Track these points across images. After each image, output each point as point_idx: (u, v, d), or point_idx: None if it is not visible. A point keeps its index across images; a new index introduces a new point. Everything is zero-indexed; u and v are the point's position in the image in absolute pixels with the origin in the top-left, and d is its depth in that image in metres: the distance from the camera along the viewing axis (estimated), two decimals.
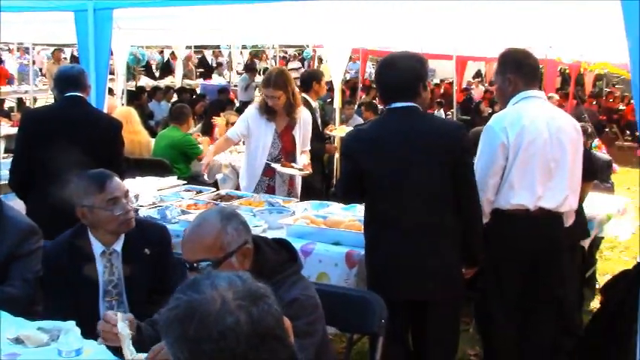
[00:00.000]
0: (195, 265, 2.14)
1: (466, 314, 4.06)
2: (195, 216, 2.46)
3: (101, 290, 2.86)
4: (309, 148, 4.95)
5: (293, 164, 4.71)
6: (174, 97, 12.82)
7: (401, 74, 3.10)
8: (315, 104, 5.81)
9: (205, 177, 5.81)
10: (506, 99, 3.47)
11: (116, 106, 6.32)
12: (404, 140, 3.03)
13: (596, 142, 10.94)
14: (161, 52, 20.43)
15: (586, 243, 4.80)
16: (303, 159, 4.78)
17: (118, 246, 2.89)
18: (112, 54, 5.94)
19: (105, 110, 4.79)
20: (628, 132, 14.97)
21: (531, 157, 3.29)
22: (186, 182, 5.25)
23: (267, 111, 4.69)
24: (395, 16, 6.15)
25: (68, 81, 3.99)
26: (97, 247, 2.88)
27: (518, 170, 3.28)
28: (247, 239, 2.23)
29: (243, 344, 1.22)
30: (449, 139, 3.05)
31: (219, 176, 6.50)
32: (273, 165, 4.69)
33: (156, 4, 4.87)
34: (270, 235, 3.78)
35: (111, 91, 10.72)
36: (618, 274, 3.74)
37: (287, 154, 4.80)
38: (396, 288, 3.08)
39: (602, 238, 5.57)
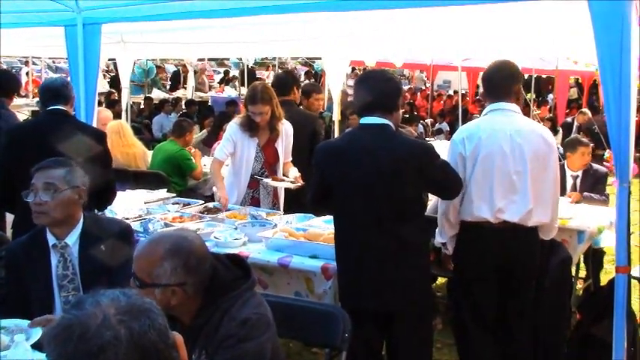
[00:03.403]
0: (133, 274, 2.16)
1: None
2: (169, 231, 2.46)
3: (55, 284, 2.88)
4: (290, 159, 4.93)
5: (284, 177, 4.71)
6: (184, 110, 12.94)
7: (380, 88, 3.12)
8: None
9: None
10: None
11: (111, 118, 6.35)
12: (370, 156, 3.05)
13: (607, 153, 10.82)
14: (178, 65, 20.62)
15: (576, 254, 4.76)
16: (294, 172, 4.77)
17: (71, 240, 2.90)
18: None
19: (95, 123, 4.85)
20: None
21: (489, 170, 3.28)
22: (175, 195, 5.28)
23: (250, 127, 4.69)
24: (406, 26, 6.22)
25: (51, 93, 4.01)
26: (51, 239, 2.90)
27: (477, 183, 3.30)
28: (185, 282, 2.14)
29: (122, 359, 1.23)
30: (414, 159, 3.05)
31: (215, 189, 6.52)
32: (265, 180, 4.69)
33: (146, 19, 4.92)
34: (251, 247, 3.83)
35: (117, 103, 10.91)
36: (592, 291, 3.69)
37: (270, 167, 4.81)
38: (360, 299, 3.10)
39: (604, 251, 5.50)
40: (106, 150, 4.16)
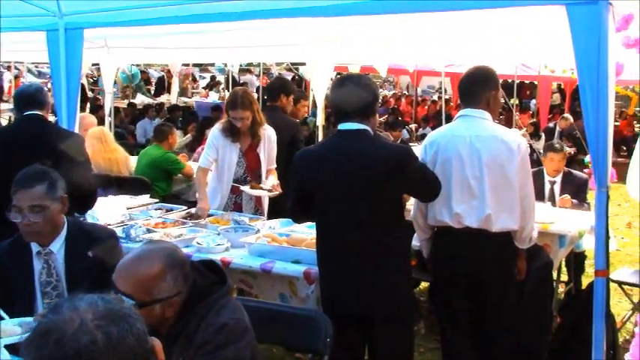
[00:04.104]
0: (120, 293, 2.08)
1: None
2: (144, 244, 2.39)
3: (38, 291, 2.87)
4: (274, 166, 4.91)
5: (262, 185, 4.70)
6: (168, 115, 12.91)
7: (357, 93, 3.12)
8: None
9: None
10: None
11: (95, 124, 6.33)
12: (349, 161, 3.05)
13: (588, 158, 10.91)
14: (162, 71, 20.57)
15: (558, 259, 4.80)
16: (272, 180, 4.75)
17: (55, 247, 2.89)
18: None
19: (77, 128, 4.82)
20: (624, 147, 14.90)
21: (447, 175, 3.30)
22: (158, 200, 5.26)
23: (232, 133, 4.69)
24: (390, 32, 6.24)
25: (26, 100, 3.96)
26: (34, 246, 2.89)
27: None
28: (182, 290, 2.15)
29: None
30: (393, 164, 3.05)
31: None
32: (242, 188, 4.67)
33: (129, 23, 4.88)
34: (234, 253, 3.83)
35: (101, 108, 10.86)
36: (572, 294, 3.72)
37: (252, 172, 4.80)
38: (342, 304, 3.11)
39: (585, 255, 5.54)
40: (85, 154, 4.12)
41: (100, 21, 4.72)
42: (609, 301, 3.00)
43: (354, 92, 3.11)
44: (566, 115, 14.06)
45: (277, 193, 4.68)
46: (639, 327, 2.60)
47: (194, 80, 22.09)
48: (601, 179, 2.87)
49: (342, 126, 3.12)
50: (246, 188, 4.66)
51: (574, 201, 5.54)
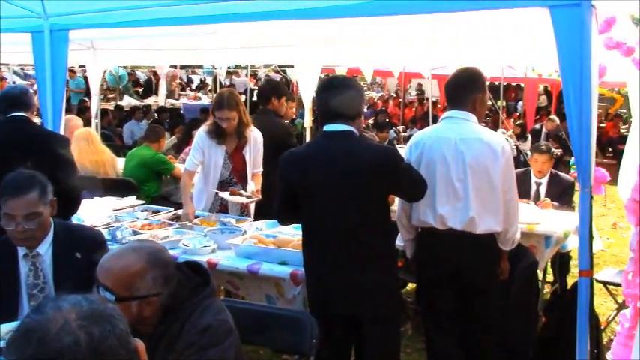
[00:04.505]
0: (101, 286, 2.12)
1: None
2: (133, 241, 2.43)
3: (25, 293, 2.86)
4: (260, 170, 4.89)
5: (241, 191, 4.68)
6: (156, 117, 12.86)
7: (342, 95, 3.12)
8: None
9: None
10: None
11: (81, 126, 6.31)
12: (335, 163, 3.06)
13: (573, 160, 10.97)
14: (149, 73, 20.49)
15: (544, 259, 4.83)
16: (252, 186, 4.74)
17: (43, 249, 2.89)
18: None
19: (63, 130, 4.80)
20: (610, 149, 15.02)
21: (431, 177, 3.32)
22: (144, 202, 5.24)
23: (218, 135, 4.67)
24: (377, 35, 6.27)
25: (10, 101, 3.95)
26: (21, 249, 2.88)
27: None
28: (162, 292, 2.16)
29: None
30: (380, 166, 3.06)
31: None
32: (221, 194, 4.65)
33: (115, 25, 4.87)
34: (220, 254, 3.83)
35: (87, 110, 10.80)
36: (556, 294, 3.75)
37: (238, 174, 4.79)
38: (328, 305, 3.12)
39: (570, 255, 5.58)
40: (70, 156, 4.11)
41: (85, 22, 4.72)
42: (593, 300, 3.02)
43: (340, 94, 3.12)
44: (553, 116, 14.15)
45: (257, 199, 4.67)
46: (621, 325, 2.62)
47: (189, 82, 22.05)
48: (584, 180, 2.90)
49: (327, 127, 3.13)
50: (225, 195, 4.63)
51: (554, 204, 5.56)
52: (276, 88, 5.73)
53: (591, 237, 2.95)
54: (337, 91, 3.13)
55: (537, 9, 3.01)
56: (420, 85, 22.29)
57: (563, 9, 2.84)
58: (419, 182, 3.22)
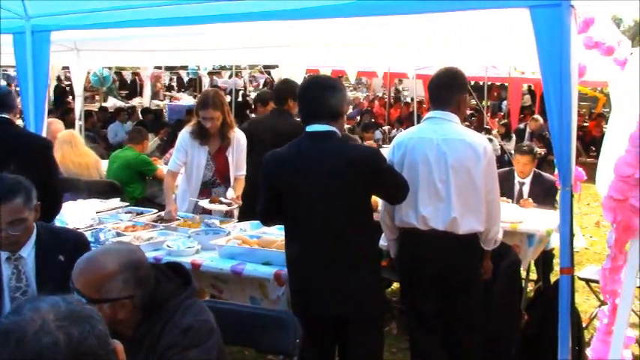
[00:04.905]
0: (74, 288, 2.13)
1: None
2: (108, 244, 2.42)
3: (7, 297, 2.83)
4: (243, 173, 4.88)
5: (221, 198, 4.67)
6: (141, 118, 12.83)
7: (324, 95, 3.13)
8: None
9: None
10: None
11: (62, 129, 6.28)
12: (319, 163, 3.06)
13: None
14: (134, 74, 20.41)
15: (527, 258, 4.86)
16: (231, 193, 4.72)
17: (25, 252, 2.86)
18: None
19: (45, 134, 4.76)
20: (593, 148, 15.14)
21: (414, 178, 3.33)
22: (128, 204, 5.22)
23: (201, 135, 4.66)
24: (361, 35, 6.27)
25: None
26: (4, 252, 2.85)
27: None
28: (135, 294, 2.15)
29: None
30: (363, 166, 3.07)
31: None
32: (200, 202, 4.64)
33: (97, 26, 4.83)
34: (204, 255, 3.82)
35: (71, 112, 10.74)
36: (538, 292, 3.78)
37: (221, 175, 4.79)
38: (311, 305, 3.13)
39: (553, 253, 5.61)
40: (52, 159, 4.08)
41: (67, 23, 4.67)
42: (574, 298, 3.05)
43: (322, 94, 3.12)
44: (536, 116, 14.24)
45: (236, 206, 4.67)
46: (600, 322, 2.65)
47: (180, 82, 21.94)
48: (565, 178, 2.92)
49: (310, 128, 3.13)
50: (204, 203, 4.62)
51: (534, 204, 5.61)
52: (293, 90, 5.67)
53: (572, 235, 2.97)
54: (320, 92, 3.14)
55: (519, 9, 3.03)
56: (397, 84, 22.30)
57: (543, 9, 2.85)
58: (401, 185, 3.23)
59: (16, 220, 2.76)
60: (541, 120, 13.48)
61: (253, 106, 6.34)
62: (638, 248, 2.38)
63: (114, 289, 2.12)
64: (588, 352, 2.67)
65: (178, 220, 4.49)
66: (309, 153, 3.10)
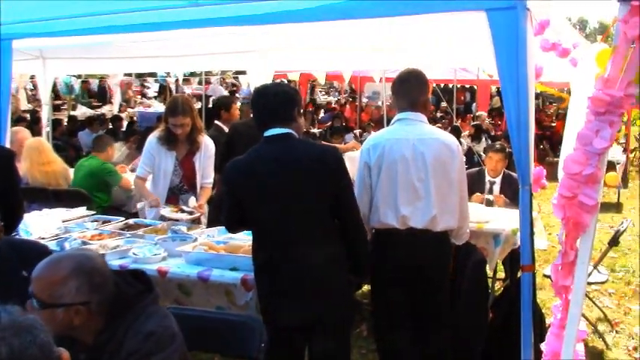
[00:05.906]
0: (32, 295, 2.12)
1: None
2: (69, 250, 2.41)
3: None
4: (210, 181, 4.87)
5: (183, 207, 4.67)
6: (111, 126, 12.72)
7: (275, 100, 3.16)
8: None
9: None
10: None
11: (28, 137, 6.21)
12: (280, 165, 3.07)
13: None
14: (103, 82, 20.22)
15: (494, 258, 4.92)
16: (193, 201, 4.72)
17: None
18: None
19: (9, 143, 4.70)
20: (560, 148, 15.31)
21: (392, 178, 3.37)
22: (95, 212, 5.18)
23: (169, 141, 4.66)
24: (328, 39, 6.28)
25: None
26: None
27: (382, 190, 3.39)
28: (90, 300, 2.13)
29: None
30: (323, 164, 3.09)
31: (139, 205, 6.43)
32: (162, 211, 4.63)
33: (62, 34, 4.78)
34: (171, 262, 3.81)
35: (39, 121, 10.61)
36: (503, 290, 3.83)
37: (189, 181, 4.78)
38: (280, 313, 3.12)
39: (520, 252, 5.67)
40: (14, 170, 4.01)
41: (30, 31, 4.62)
42: (536, 295, 3.09)
43: (270, 100, 3.16)
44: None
45: (197, 216, 4.66)
46: (554, 316, 2.69)
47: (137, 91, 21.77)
48: (524, 177, 2.97)
49: (267, 132, 3.16)
50: (166, 212, 4.61)
51: (506, 200, 5.71)
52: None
53: (532, 232, 3.02)
54: (271, 97, 3.18)
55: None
56: (350, 84, 22.17)
57: (499, 12, 2.90)
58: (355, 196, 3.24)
59: None
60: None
61: (216, 113, 6.34)
62: (588, 244, 2.44)
63: (66, 294, 2.11)
64: (542, 346, 2.70)
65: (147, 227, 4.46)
66: (268, 156, 3.11)
